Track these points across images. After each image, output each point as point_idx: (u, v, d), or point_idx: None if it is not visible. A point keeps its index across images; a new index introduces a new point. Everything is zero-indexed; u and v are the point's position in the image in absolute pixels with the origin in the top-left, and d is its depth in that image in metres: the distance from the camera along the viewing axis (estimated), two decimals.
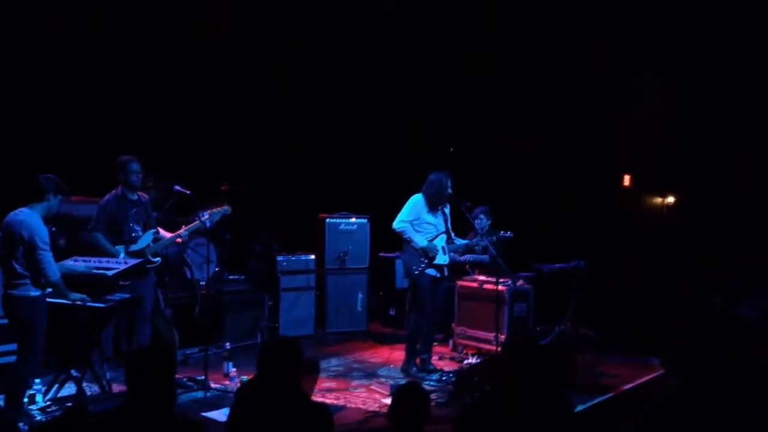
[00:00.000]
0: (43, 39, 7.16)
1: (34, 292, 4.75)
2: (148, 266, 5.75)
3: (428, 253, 6.16)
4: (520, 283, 7.28)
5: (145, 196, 5.97)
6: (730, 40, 8.52)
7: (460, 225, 6.73)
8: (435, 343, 7.45)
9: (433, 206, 6.26)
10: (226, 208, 6.06)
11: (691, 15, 8.53)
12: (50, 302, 4.93)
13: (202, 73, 8.40)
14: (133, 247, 5.71)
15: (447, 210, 6.44)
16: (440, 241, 6.30)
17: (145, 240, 5.79)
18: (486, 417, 2.99)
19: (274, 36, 8.90)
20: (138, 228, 5.79)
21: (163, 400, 2.85)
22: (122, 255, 5.61)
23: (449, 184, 6.25)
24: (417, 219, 6.22)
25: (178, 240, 6.05)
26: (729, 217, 8.73)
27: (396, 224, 6.24)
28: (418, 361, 6.40)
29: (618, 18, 8.75)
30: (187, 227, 6.03)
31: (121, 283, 5.38)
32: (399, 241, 6.47)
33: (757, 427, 2.90)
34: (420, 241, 6.17)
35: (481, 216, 7.35)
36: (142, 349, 3.97)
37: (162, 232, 5.99)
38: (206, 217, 5.93)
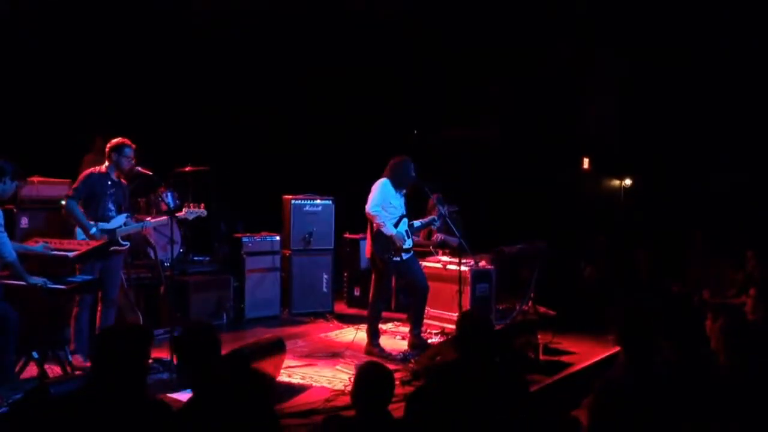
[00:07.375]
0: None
1: None
2: (116, 249, 5.72)
3: (396, 243, 6.27)
4: (482, 263, 7.42)
5: (126, 183, 5.96)
6: (689, 26, 8.71)
7: (419, 207, 6.82)
8: (398, 323, 7.59)
9: (398, 187, 6.38)
10: (203, 211, 6.18)
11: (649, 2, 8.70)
12: (11, 284, 4.88)
13: (166, 54, 8.28)
14: (105, 226, 5.68)
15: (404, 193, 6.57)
16: (403, 226, 6.42)
17: (118, 221, 5.78)
18: (437, 393, 3.05)
19: (237, 17, 8.80)
20: (113, 208, 5.78)
21: (129, 383, 2.83)
22: (93, 230, 5.58)
23: (412, 167, 6.40)
24: (386, 202, 6.31)
25: (144, 231, 6.08)
26: (685, 200, 9.00)
27: (371, 208, 6.30)
28: (410, 337, 6.54)
29: (580, 3, 8.87)
30: (155, 219, 6.14)
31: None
32: (364, 223, 6.53)
33: None
34: (390, 229, 6.27)
35: (438, 206, 7.49)
36: (113, 329, 3.83)
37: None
38: (183, 214, 6.13)
